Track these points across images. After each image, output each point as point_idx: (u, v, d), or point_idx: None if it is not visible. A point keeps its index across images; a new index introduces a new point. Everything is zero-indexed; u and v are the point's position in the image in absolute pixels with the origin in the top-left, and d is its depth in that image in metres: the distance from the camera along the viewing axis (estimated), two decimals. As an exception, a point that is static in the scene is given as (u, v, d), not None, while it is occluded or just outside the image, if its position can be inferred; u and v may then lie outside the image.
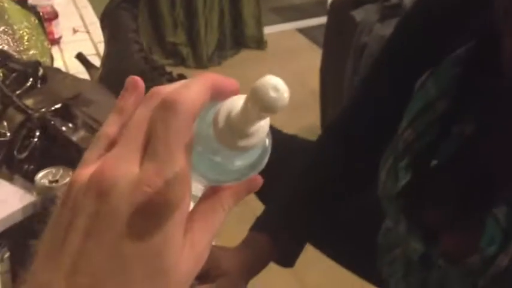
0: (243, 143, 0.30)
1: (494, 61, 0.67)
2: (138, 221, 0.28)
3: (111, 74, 1.18)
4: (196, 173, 0.31)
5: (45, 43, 1.31)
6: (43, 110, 0.93)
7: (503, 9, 0.63)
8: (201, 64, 3.19)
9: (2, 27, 1.22)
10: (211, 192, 0.33)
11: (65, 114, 0.92)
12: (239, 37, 3.38)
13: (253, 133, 0.30)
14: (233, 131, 0.30)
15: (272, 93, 0.28)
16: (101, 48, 1.38)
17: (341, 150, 0.92)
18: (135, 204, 0.28)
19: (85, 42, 1.56)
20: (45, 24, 1.45)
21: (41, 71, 1.03)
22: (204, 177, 0.32)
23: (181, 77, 1.17)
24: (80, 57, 1.29)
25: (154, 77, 1.14)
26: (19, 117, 0.93)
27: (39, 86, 1.02)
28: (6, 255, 0.75)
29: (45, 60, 1.25)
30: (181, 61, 3.20)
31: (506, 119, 0.69)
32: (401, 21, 0.87)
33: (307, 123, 2.41)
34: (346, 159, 0.92)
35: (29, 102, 0.97)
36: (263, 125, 0.30)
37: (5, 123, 0.93)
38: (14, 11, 1.27)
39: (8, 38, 1.22)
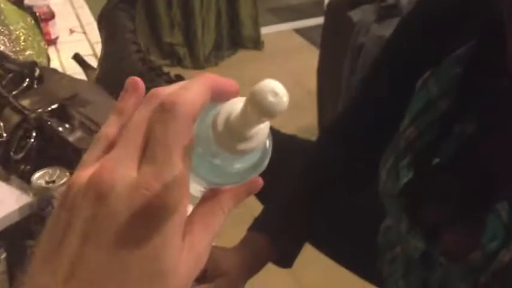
0: (242, 146, 0.30)
1: (495, 61, 0.68)
2: (136, 224, 0.28)
3: (109, 75, 1.18)
4: (196, 174, 0.31)
5: (42, 43, 1.31)
6: (39, 110, 0.93)
7: (508, 10, 0.63)
8: (198, 64, 3.19)
9: (-1, 28, 1.22)
10: (211, 195, 0.33)
11: (62, 114, 0.92)
12: (236, 37, 3.38)
13: (253, 136, 0.30)
14: (232, 135, 0.30)
15: (271, 98, 0.28)
16: (98, 48, 1.38)
17: (341, 150, 0.92)
18: (133, 207, 0.28)
19: (82, 42, 1.55)
20: (42, 25, 1.45)
21: (37, 72, 1.02)
22: (204, 180, 0.32)
23: (178, 77, 1.17)
24: (77, 58, 1.29)
25: (152, 77, 1.14)
26: (15, 118, 0.93)
27: (35, 86, 1.02)
28: (3, 256, 0.75)
29: (41, 60, 1.25)
30: (178, 61, 3.20)
31: (507, 118, 0.69)
32: (401, 22, 0.87)
33: (304, 123, 2.40)
34: (346, 159, 0.92)
35: (25, 102, 0.97)
36: (263, 127, 0.30)
37: (1, 124, 0.93)
38: (10, 12, 1.27)
39: (4, 38, 1.22)
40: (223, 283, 0.79)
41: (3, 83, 0.99)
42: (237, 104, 0.30)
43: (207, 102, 0.30)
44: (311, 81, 2.45)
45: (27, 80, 1.01)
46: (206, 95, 0.30)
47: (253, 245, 0.86)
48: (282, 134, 1.13)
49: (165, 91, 0.30)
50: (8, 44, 1.21)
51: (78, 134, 0.89)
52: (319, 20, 2.51)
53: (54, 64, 1.38)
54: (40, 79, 1.02)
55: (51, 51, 1.47)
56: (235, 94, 0.31)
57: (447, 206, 0.75)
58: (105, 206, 0.28)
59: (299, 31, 3.59)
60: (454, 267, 0.73)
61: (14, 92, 0.97)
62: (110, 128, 0.32)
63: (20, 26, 1.25)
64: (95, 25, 1.38)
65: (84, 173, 0.30)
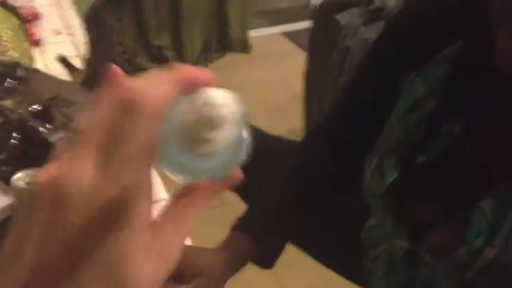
0: (203, 148, 0.28)
1: (483, 60, 0.68)
2: (92, 231, 0.26)
3: (95, 77, 1.18)
4: (168, 171, 0.30)
5: (26, 44, 1.30)
6: (21, 111, 0.92)
7: (496, 11, 0.64)
8: (186, 67, 3.18)
9: (-18, 28, 1.21)
10: (185, 191, 0.31)
11: (44, 115, 0.92)
12: (224, 40, 3.38)
13: (214, 138, 0.28)
14: (191, 136, 0.28)
15: (207, 110, 0.27)
16: (83, 49, 1.37)
17: (326, 152, 0.93)
18: (88, 212, 0.26)
19: (67, 43, 1.54)
20: (27, 26, 1.44)
21: (20, 72, 1.02)
22: (176, 176, 0.30)
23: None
24: (62, 60, 1.28)
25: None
26: (-3, 119, 0.92)
27: (18, 87, 1.01)
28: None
29: (25, 61, 1.24)
30: (166, 64, 3.19)
31: (496, 117, 0.69)
32: (387, 25, 0.87)
33: (291, 126, 2.41)
34: (331, 161, 0.92)
35: (8, 103, 0.96)
36: (226, 127, 0.28)
37: (-18, 125, 0.92)
38: (-6, 12, 1.26)
39: (-12, 38, 1.21)
40: (202, 282, 0.78)
41: (-15, 83, 0.98)
42: (198, 100, 0.28)
43: (174, 97, 0.28)
44: (299, 85, 2.45)
45: (9, 80, 1.00)
46: (173, 90, 0.28)
47: (236, 245, 0.85)
48: (269, 135, 1.13)
49: (130, 85, 0.28)
50: (-9, 45, 1.21)
51: (60, 134, 0.88)
52: (307, 24, 2.52)
53: (39, 65, 1.37)
54: (23, 79, 1.02)
55: (36, 52, 1.46)
56: (208, 85, 0.29)
57: (433, 204, 0.75)
58: (59, 211, 0.26)
59: (287, 34, 3.60)
60: (439, 265, 0.73)
61: (-5, 93, 0.96)
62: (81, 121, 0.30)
63: (4, 26, 1.24)
64: (80, 26, 1.38)
65: (45, 173, 0.28)
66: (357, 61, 0.97)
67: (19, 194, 0.78)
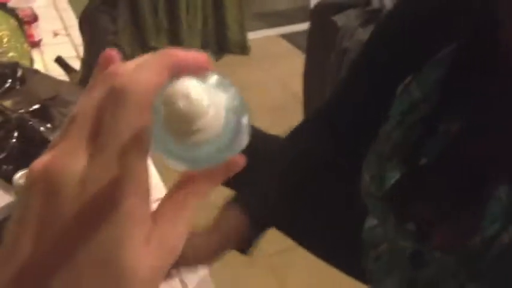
0: (192, 138, 0.27)
1: (483, 61, 0.68)
2: (85, 224, 0.26)
3: (91, 77, 1.18)
4: (165, 159, 0.28)
5: (25, 45, 1.31)
6: (21, 110, 0.93)
7: (507, 10, 0.63)
8: (184, 69, 3.19)
9: (-19, 29, 1.21)
10: (184, 180, 0.30)
11: (43, 114, 0.92)
12: (222, 42, 3.38)
13: (204, 127, 0.27)
14: (176, 126, 0.26)
15: (180, 104, 0.25)
16: (81, 50, 1.38)
17: (326, 138, 0.92)
18: (81, 201, 0.26)
19: (65, 45, 1.55)
20: (25, 27, 1.44)
21: (19, 73, 1.02)
22: (172, 164, 0.29)
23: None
24: (59, 61, 1.29)
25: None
26: (-3, 118, 0.92)
27: (17, 87, 1.01)
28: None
29: (24, 62, 1.25)
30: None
31: (496, 116, 0.70)
32: (378, 26, 0.87)
33: (289, 126, 2.42)
34: (330, 149, 0.92)
35: (7, 103, 0.97)
36: (215, 114, 0.27)
37: (-17, 124, 0.92)
38: (-7, 13, 1.26)
39: (-13, 40, 1.21)
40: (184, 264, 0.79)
41: (-15, 83, 0.99)
42: (173, 93, 0.26)
43: (164, 82, 0.27)
44: (297, 86, 2.46)
45: (9, 80, 1.00)
46: (163, 75, 0.27)
47: (225, 227, 0.85)
48: (268, 135, 1.14)
49: (119, 70, 0.28)
50: (-10, 46, 1.21)
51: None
52: (306, 26, 2.53)
53: (38, 66, 1.38)
54: (22, 80, 1.02)
55: (35, 53, 1.46)
56: (201, 68, 0.28)
57: (437, 204, 0.76)
58: (52, 204, 0.26)
59: (285, 36, 3.61)
60: (450, 259, 0.73)
61: (-5, 93, 0.97)
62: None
63: (3, 27, 1.25)
64: (77, 27, 1.38)
65: (39, 163, 0.27)
66: (352, 61, 0.97)
67: (20, 193, 0.78)
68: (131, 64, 0.28)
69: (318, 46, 2.28)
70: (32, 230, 0.26)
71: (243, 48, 3.42)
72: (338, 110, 0.92)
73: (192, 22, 3.18)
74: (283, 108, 2.46)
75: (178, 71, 0.27)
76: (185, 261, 0.79)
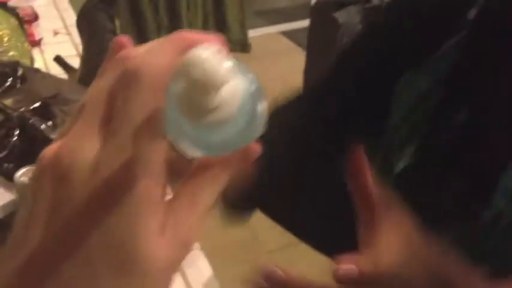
0: (209, 118, 0.25)
1: (495, 51, 0.68)
2: (98, 210, 0.25)
3: (90, 75, 1.18)
4: (181, 146, 0.27)
5: (25, 44, 1.31)
6: (22, 109, 0.93)
7: None
8: (185, 67, 3.19)
9: (-18, 29, 1.22)
10: (200, 167, 0.29)
11: (44, 112, 0.92)
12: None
13: (220, 106, 0.25)
14: (193, 105, 0.25)
15: (197, 72, 0.24)
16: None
17: (312, 125, 0.91)
18: (93, 191, 0.25)
19: (66, 43, 1.55)
20: (26, 26, 1.45)
21: (20, 71, 1.03)
22: (186, 150, 0.27)
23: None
24: (59, 60, 1.29)
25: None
26: (-2, 117, 0.93)
27: (18, 86, 1.02)
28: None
29: (25, 61, 1.25)
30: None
31: (504, 103, 0.69)
32: (378, 17, 0.86)
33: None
34: (315, 138, 0.90)
35: (8, 102, 0.97)
36: (232, 93, 0.26)
37: (-16, 123, 0.93)
38: (-6, 13, 1.27)
39: (-13, 39, 1.22)
40: None
41: (-14, 82, 0.99)
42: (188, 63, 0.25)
43: (177, 66, 0.26)
44: (298, 83, 2.46)
45: (10, 79, 1.01)
46: (175, 58, 0.26)
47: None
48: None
49: (132, 54, 0.27)
50: (-9, 45, 1.21)
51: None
52: (306, 23, 2.53)
53: (39, 65, 1.38)
54: (23, 78, 1.03)
55: (36, 52, 1.46)
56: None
57: (447, 194, 0.76)
58: (63, 190, 0.25)
59: (286, 34, 3.61)
60: (460, 243, 0.73)
61: (-4, 91, 0.97)
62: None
63: (3, 27, 1.25)
64: (78, 26, 1.39)
65: (49, 150, 0.26)
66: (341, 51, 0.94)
67: (22, 190, 0.78)
68: (143, 48, 0.27)
69: (318, 43, 2.28)
70: (42, 218, 0.25)
71: (243, 46, 3.42)
72: (327, 95, 0.90)
73: (193, 20, 3.18)
74: (284, 106, 2.46)
75: None
76: None
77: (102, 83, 0.27)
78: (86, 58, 1.21)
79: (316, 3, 2.35)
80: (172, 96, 0.26)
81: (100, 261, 0.25)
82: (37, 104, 0.93)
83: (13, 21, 1.32)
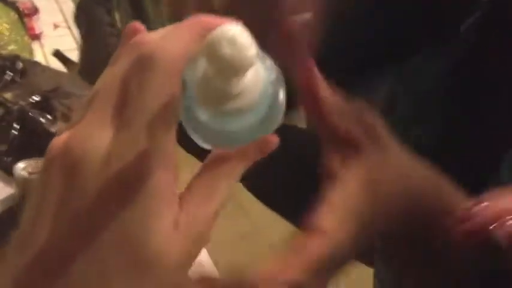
0: (230, 105, 0.24)
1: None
2: (110, 203, 0.24)
3: (89, 68, 1.18)
4: (196, 137, 0.26)
5: (25, 38, 1.31)
6: (22, 103, 0.93)
7: None
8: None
9: (-19, 22, 1.21)
10: (215, 159, 0.28)
11: (44, 106, 0.92)
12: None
13: (241, 93, 0.24)
14: (211, 92, 0.24)
15: (226, 50, 0.22)
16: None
17: None
18: (105, 183, 0.23)
19: (66, 37, 1.55)
20: (26, 20, 1.44)
21: (20, 65, 1.02)
22: (202, 141, 0.26)
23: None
24: (57, 54, 1.29)
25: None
26: (-2, 111, 0.93)
27: (18, 79, 1.02)
28: (-15, 247, 0.75)
29: (25, 55, 1.25)
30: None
31: None
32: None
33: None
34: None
35: (8, 95, 0.97)
36: (254, 80, 0.24)
37: (-16, 117, 0.93)
38: (-7, 6, 1.26)
39: (-13, 33, 1.22)
40: None
41: (-14, 76, 0.99)
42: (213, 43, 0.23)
43: (194, 51, 0.24)
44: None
45: (10, 73, 1.00)
46: (192, 43, 0.25)
47: None
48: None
49: (146, 39, 0.26)
50: (-10, 39, 1.21)
51: (61, 125, 0.89)
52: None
53: (39, 58, 1.38)
54: (23, 72, 1.02)
55: (36, 46, 1.46)
56: None
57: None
58: (73, 181, 0.24)
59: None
60: None
61: (-4, 85, 0.97)
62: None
63: (3, 20, 1.25)
64: (78, 19, 1.38)
65: (58, 140, 0.25)
66: None
67: (21, 184, 0.78)
68: (159, 33, 0.26)
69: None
70: (50, 212, 0.24)
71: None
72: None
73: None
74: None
75: None
76: None
77: (116, 69, 0.26)
78: (84, 51, 1.21)
79: None
80: (190, 83, 0.25)
81: (112, 257, 0.24)
82: (37, 98, 0.93)
83: (13, 14, 1.32)
